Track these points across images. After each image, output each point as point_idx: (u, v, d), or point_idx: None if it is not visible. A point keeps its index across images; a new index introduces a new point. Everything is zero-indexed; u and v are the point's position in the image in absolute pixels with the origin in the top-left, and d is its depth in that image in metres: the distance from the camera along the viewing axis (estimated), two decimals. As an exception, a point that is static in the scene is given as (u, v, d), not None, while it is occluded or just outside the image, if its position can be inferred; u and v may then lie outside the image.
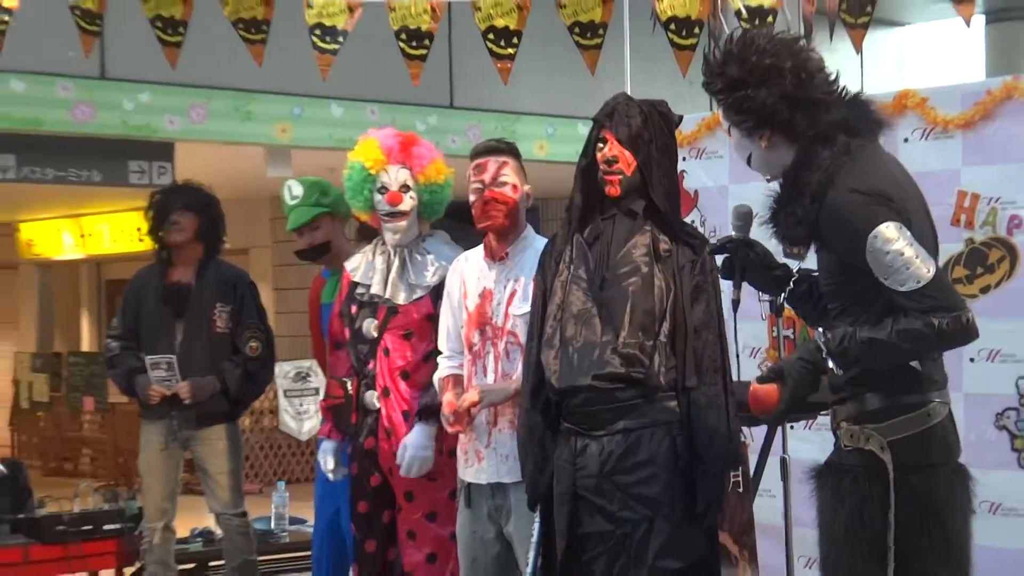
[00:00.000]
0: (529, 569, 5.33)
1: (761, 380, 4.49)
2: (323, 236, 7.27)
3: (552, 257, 5.39)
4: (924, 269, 4.26)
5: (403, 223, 6.41)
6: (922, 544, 4.33)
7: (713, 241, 5.15)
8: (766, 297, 4.90)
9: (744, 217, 4.70)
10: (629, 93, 5.65)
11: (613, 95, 5.42)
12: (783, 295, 4.75)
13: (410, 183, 6.42)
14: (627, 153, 5.21)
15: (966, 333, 4.35)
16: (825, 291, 4.57)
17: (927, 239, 4.45)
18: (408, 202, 6.40)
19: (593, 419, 5.17)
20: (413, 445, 6.19)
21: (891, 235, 4.26)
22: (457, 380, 5.97)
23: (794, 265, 4.87)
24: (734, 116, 4.54)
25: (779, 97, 4.45)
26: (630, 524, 5.08)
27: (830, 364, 4.41)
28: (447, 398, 5.89)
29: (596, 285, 5.22)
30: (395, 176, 6.42)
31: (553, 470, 5.25)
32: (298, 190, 7.29)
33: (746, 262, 4.68)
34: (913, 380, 4.42)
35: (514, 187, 5.81)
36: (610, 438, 5.14)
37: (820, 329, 4.46)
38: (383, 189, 6.40)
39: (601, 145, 5.24)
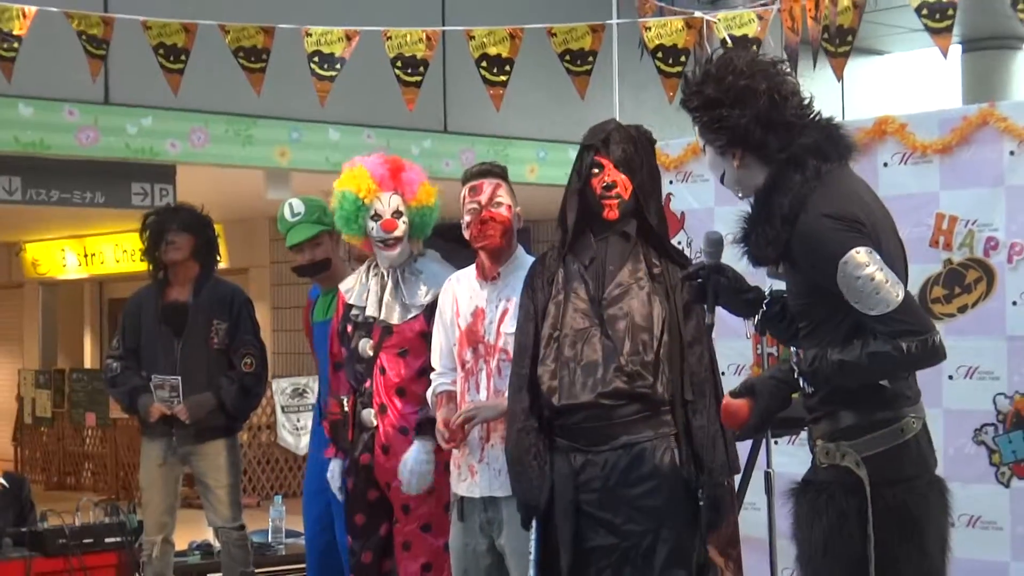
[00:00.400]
0: None
1: (733, 395, 4.49)
2: (323, 253, 7.24)
3: (543, 278, 5.40)
4: (894, 294, 4.23)
5: (397, 249, 6.42)
6: (900, 555, 4.31)
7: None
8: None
9: (715, 244, 4.70)
10: (618, 119, 5.68)
11: (602, 121, 5.45)
12: (756, 317, 4.75)
13: (402, 208, 6.43)
14: (624, 177, 5.25)
15: (933, 355, 4.31)
16: (794, 311, 4.57)
17: (897, 263, 4.45)
18: (401, 227, 6.41)
19: (594, 435, 5.20)
20: (414, 460, 6.19)
21: (862, 260, 4.24)
22: (450, 396, 5.97)
23: (766, 287, 4.89)
24: (708, 134, 4.54)
25: (752, 118, 4.43)
26: (636, 536, 5.11)
27: (801, 383, 4.41)
28: (441, 415, 5.89)
29: (596, 305, 5.24)
30: (388, 203, 6.42)
31: (551, 487, 5.26)
32: (299, 207, 7.26)
33: (718, 287, 4.67)
34: (885, 397, 4.40)
35: (508, 208, 5.82)
36: (613, 453, 5.17)
37: (792, 349, 4.47)
38: (376, 216, 6.41)
39: (597, 170, 5.27)
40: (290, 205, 7.29)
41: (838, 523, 4.31)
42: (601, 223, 5.31)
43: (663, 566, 5.09)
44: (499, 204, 5.81)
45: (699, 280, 4.67)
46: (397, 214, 6.41)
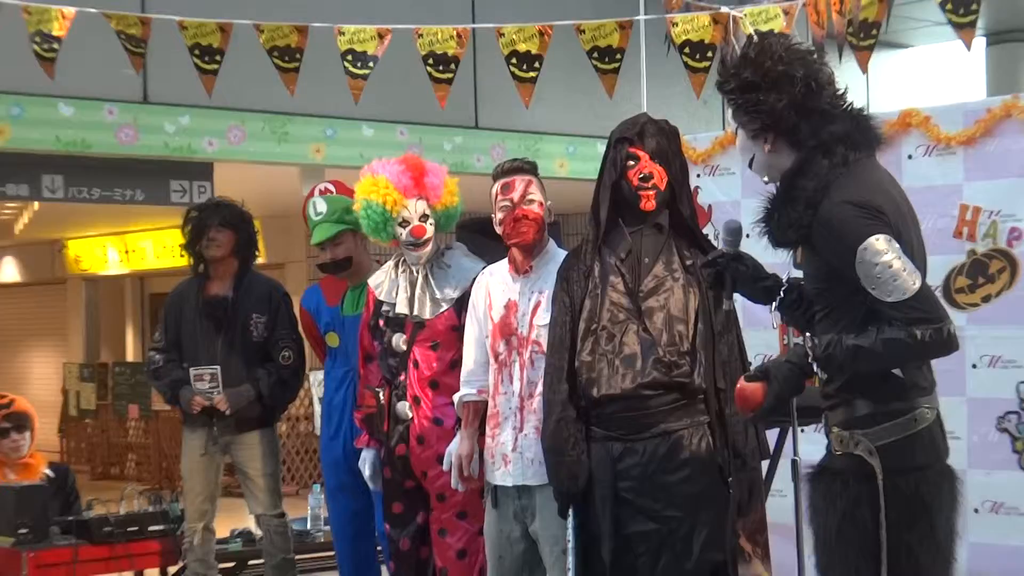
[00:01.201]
0: (571, 574, 5.32)
1: (748, 379, 4.49)
2: (344, 252, 7.28)
3: (579, 272, 5.42)
4: (911, 282, 4.24)
5: (427, 249, 6.46)
6: (911, 541, 4.31)
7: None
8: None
9: (734, 232, 4.70)
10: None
11: (632, 115, 5.45)
12: (774, 304, 4.74)
13: (428, 212, 6.45)
14: (660, 169, 5.27)
15: (947, 345, 4.33)
16: (811, 295, 4.57)
17: (917, 254, 4.45)
18: (430, 230, 6.45)
19: (632, 424, 5.23)
20: (456, 453, 6.21)
21: (881, 247, 4.25)
22: (476, 410, 6.02)
23: (784, 274, 4.88)
24: (743, 117, 4.55)
25: (788, 103, 4.45)
26: (674, 522, 5.14)
27: (816, 369, 4.41)
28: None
29: (633, 298, 5.25)
30: (414, 209, 6.44)
31: (589, 475, 5.29)
32: (323, 206, 7.31)
33: (736, 275, 4.67)
34: (900, 387, 4.41)
35: (540, 204, 5.83)
36: (651, 441, 5.21)
37: (807, 335, 4.47)
38: (405, 223, 6.43)
39: (632, 162, 5.28)
40: (314, 204, 7.34)
41: (851, 509, 4.33)
42: (636, 214, 5.32)
43: (701, 549, 5.13)
44: (531, 201, 5.82)
45: (718, 267, 4.68)
46: (424, 218, 6.44)
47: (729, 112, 4.66)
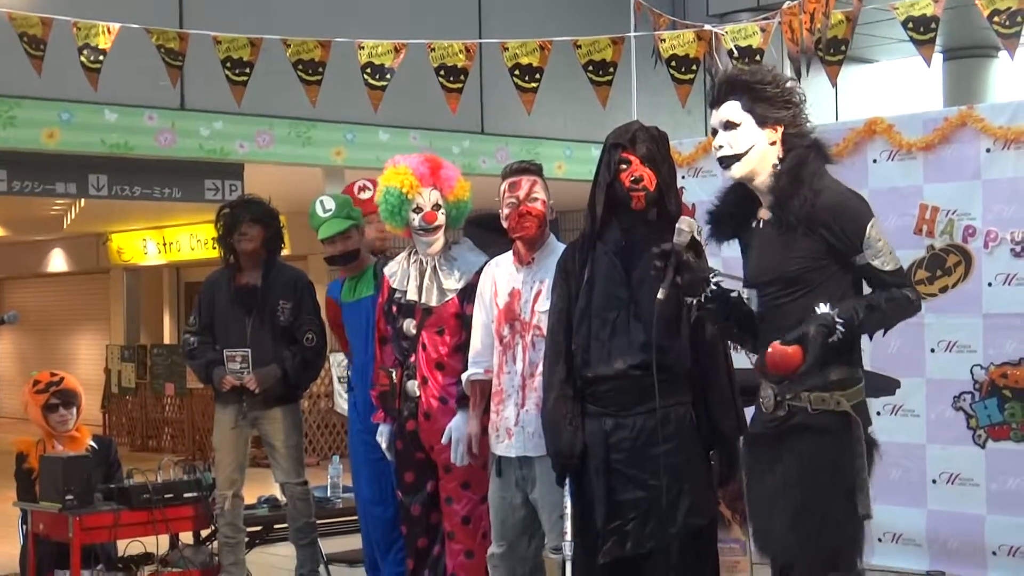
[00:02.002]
0: (568, 537, 5.33)
1: (784, 343, 4.51)
2: (353, 244, 7.35)
3: (576, 263, 5.42)
4: (897, 256, 4.60)
5: (436, 236, 6.47)
6: (867, 481, 4.57)
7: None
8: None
9: (684, 231, 4.74)
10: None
11: (625, 122, 5.44)
12: (702, 296, 4.76)
13: (440, 202, 6.46)
14: (649, 172, 5.26)
15: (919, 308, 4.69)
16: (792, 275, 4.64)
17: None
18: (440, 218, 6.45)
19: (623, 402, 5.25)
20: (456, 428, 6.22)
21: (880, 227, 4.57)
22: (483, 389, 6.03)
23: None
24: (767, 104, 4.68)
25: (798, 110, 4.73)
26: (660, 490, 5.13)
27: (838, 328, 4.49)
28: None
29: (624, 287, 5.26)
30: (428, 197, 6.46)
31: (584, 448, 5.29)
32: (330, 204, 7.36)
33: (681, 264, 4.72)
34: (858, 358, 4.68)
35: (543, 202, 5.84)
36: (641, 417, 5.22)
37: (822, 304, 4.52)
38: (418, 209, 6.45)
39: (625, 166, 5.28)
40: (321, 202, 7.38)
41: (838, 456, 4.53)
42: (628, 212, 5.31)
43: (685, 515, 5.15)
44: (535, 199, 5.83)
45: (666, 259, 4.72)
46: (436, 207, 6.45)
47: (730, 105, 4.71)
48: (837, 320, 4.47)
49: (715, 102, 4.77)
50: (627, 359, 5.20)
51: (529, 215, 5.79)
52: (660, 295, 4.74)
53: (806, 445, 4.57)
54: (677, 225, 4.75)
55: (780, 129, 4.68)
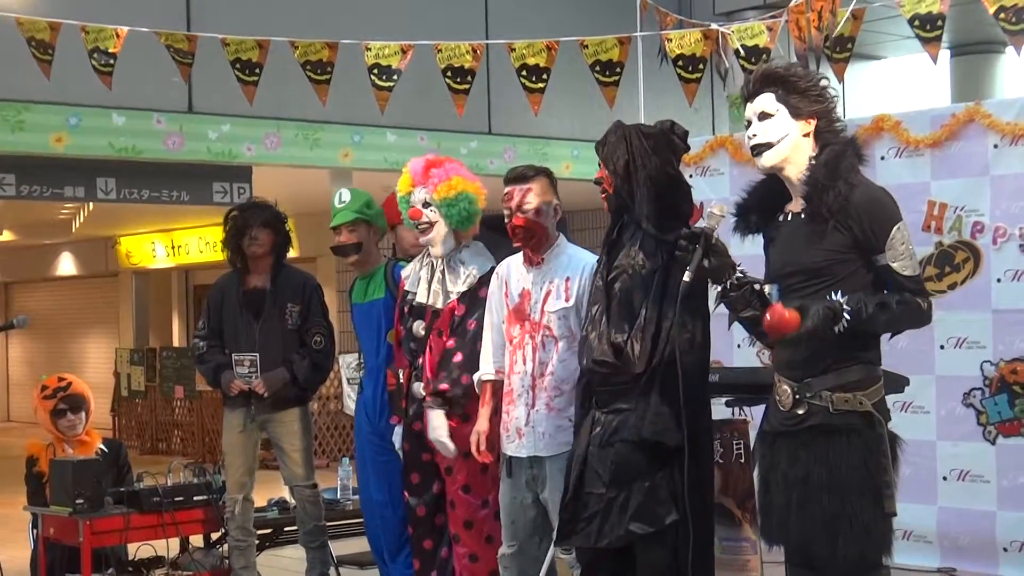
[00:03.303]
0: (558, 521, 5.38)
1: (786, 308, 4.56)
2: (356, 238, 7.33)
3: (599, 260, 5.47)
4: (917, 263, 4.62)
5: (430, 235, 6.48)
6: (894, 478, 4.62)
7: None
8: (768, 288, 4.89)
9: (713, 216, 4.77)
10: (643, 121, 5.67)
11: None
12: (728, 283, 4.77)
13: (429, 200, 6.47)
14: (608, 175, 5.26)
15: (930, 319, 4.69)
16: (816, 268, 4.66)
17: None
18: (429, 216, 6.46)
19: (600, 397, 5.29)
20: (431, 429, 6.30)
21: (906, 232, 4.61)
22: (494, 390, 6.03)
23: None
24: (802, 96, 4.72)
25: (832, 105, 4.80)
26: (615, 490, 5.14)
27: (845, 315, 4.51)
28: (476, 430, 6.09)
29: (603, 284, 5.27)
30: (418, 196, 6.51)
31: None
32: (347, 196, 7.40)
33: (709, 248, 4.72)
34: (877, 356, 4.70)
35: (536, 211, 5.82)
36: (608, 415, 5.23)
37: (836, 294, 4.56)
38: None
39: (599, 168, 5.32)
40: (339, 193, 7.46)
41: (865, 456, 4.57)
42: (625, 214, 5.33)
43: (631, 518, 5.11)
44: (527, 209, 5.83)
45: (694, 241, 4.71)
46: (425, 204, 6.48)
47: (765, 97, 4.73)
48: (844, 307, 4.50)
49: (750, 95, 4.80)
50: (590, 355, 5.22)
51: (519, 227, 5.81)
52: (686, 277, 4.74)
53: (833, 448, 4.58)
54: (708, 208, 4.77)
55: (814, 123, 4.71)
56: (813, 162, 4.69)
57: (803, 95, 4.72)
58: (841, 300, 4.52)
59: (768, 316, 4.54)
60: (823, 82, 4.80)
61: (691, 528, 5.05)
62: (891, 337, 4.84)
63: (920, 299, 4.60)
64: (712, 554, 5.33)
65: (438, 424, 6.26)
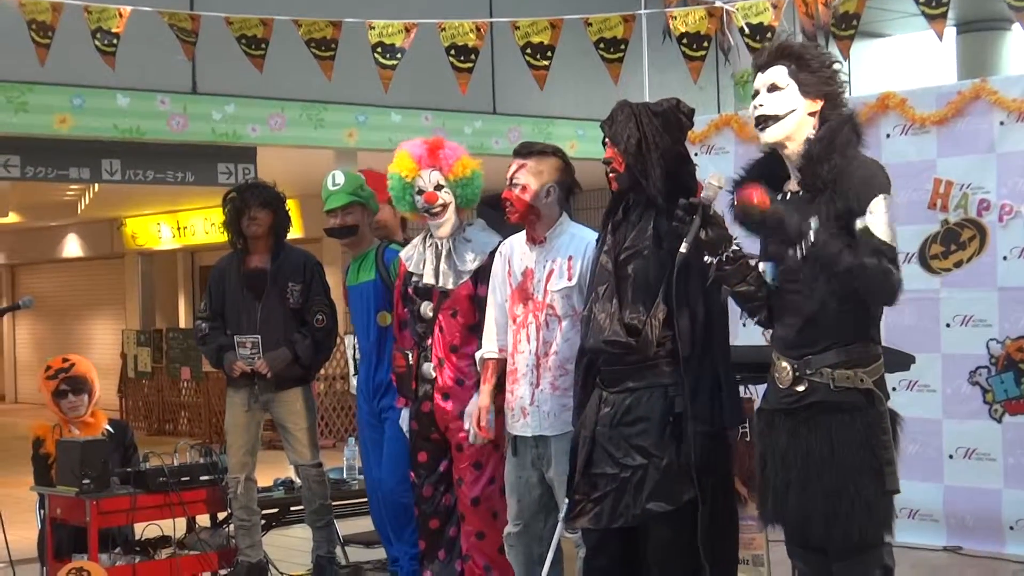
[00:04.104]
0: (567, 503, 5.35)
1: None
2: (353, 220, 7.41)
3: (599, 239, 5.41)
4: (895, 235, 4.50)
5: (443, 218, 6.49)
6: (895, 455, 4.59)
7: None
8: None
9: (712, 187, 4.75)
10: (647, 99, 5.63)
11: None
12: (723, 255, 4.75)
13: (442, 182, 6.46)
14: (618, 154, 5.21)
15: (897, 295, 4.54)
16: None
17: None
18: (444, 197, 6.45)
19: (610, 377, 5.24)
20: (474, 412, 6.22)
21: (892, 206, 4.52)
22: (495, 368, 6.03)
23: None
24: (812, 75, 4.69)
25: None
26: (630, 469, 5.11)
27: (804, 241, 4.51)
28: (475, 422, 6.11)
29: (612, 264, 5.23)
30: (428, 179, 6.48)
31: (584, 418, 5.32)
32: (340, 179, 7.44)
33: (707, 219, 4.70)
34: (877, 334, 4.67)
35: (523, 188, 5.81)
36: (619, 395, 5.19)
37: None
38: (420, 191, 6.46)
39: (605, 147, 5.27)
40: (333, 176, 7.49)
41: (866, 433, 4.54)
42: (631, 193, 5.28)
43: (648, 497, 5.07)
44: (515, 184, 5.83)
45: (692, 212, 4.69)
46: (438, 187, 6.47)
47: (777, 69, 4.71)
48: (812, 228, 4.47)
49: (763, 65, 4.77)
50: (601, 335, 5.17)
51: (507, 200, 5.83)
52: (683, 248, 4.70)
53: (835, 425, 4.56)
54: (707, 180, 4.73)
55: (820, 103, 4.68)
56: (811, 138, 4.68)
57: (815, 74, 4.70)
58: (810, 230, 4.48)
59: (745, 186, 4.60)
60: (836, 65, 4.76)
61: (708, 506, 5.02)
62: (880, 310, 4.73)
63: (892, 267, 4.46)
64: (736, 535, 5.32)
65: (480, 402, 6.17)
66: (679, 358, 5.06)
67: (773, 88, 4.71)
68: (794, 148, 4.69)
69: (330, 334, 7.94)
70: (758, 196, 4.57)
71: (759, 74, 4.78)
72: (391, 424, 7.01)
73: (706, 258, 4.74)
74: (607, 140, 5.26)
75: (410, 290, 6.62)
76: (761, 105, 4.72)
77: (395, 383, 6.83)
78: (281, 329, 7.79)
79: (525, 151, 5.92)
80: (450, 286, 6.44)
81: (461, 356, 6.40)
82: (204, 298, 8.15)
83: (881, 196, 4.49)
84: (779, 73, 4.71)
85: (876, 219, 4.47)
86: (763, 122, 4.72)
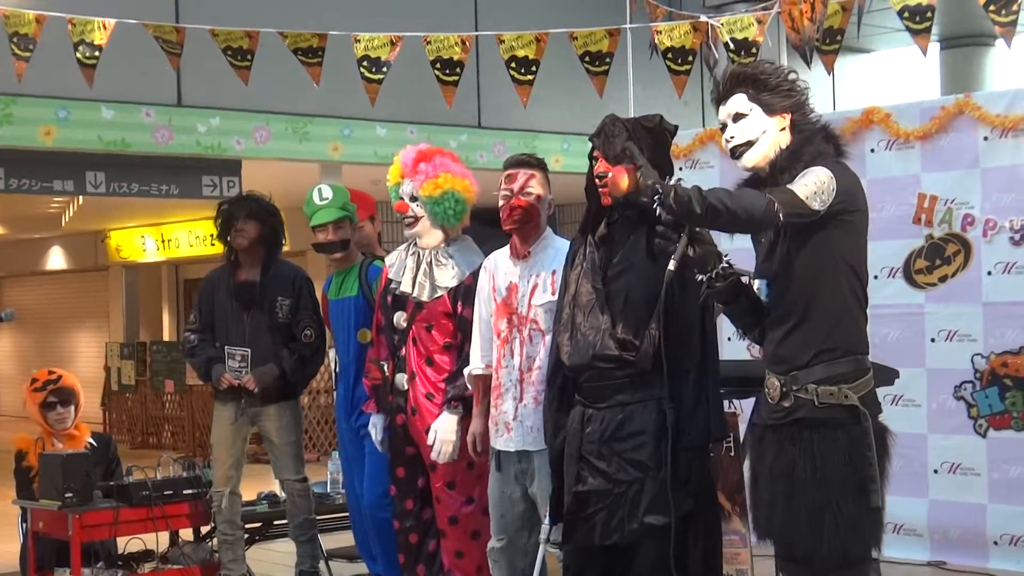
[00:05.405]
0: (547, 520, 5.34)
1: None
2: (344, 235, 7.38)
3: (570, 256, 5.39)
4: (806, 193, 4.43)
5: (416, 228, 6.46)
6: (884, 468, 4.58)
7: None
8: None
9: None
10: (632, 114, 5.63)
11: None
12: (711, 273, 4.74)
13: (416, 194, 6.43)
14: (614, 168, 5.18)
15: (772, 220, 4.43)
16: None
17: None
18: (415, 210, 6.43)
19: (596, 393, 5.20)
20: (442, 430, 6.22)
21: (826, 173, 4.46)
22: (485, 385, 5.99)
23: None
24: (773, 93, 4.69)
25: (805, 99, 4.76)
26: (625, 484, 5.10)
27: (657, 199, 4.48)
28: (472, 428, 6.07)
29: (600, 279, 5.22)
30: (406, 188, 6.48)
31: (565, 436, 5.28)
32: (328, 193, 7.40)
33: (694, 237, 4.72)
34: (863, 346, 4.64)
35: (537, 197, 5.81)
36: (609, 410, 5.17)
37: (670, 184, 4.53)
38: (401, 198, 6.46)
39: (594, 163, 5.24)
40: (319, 190, 7.43)
41: (850, 451, 4.52)
42: (606, 207, 5.26)
43: (645, 511, 5.06)
44: (529, 193, 5.80)
45: (677, 229, 4.69)
46: (412, 199, 6.45)
47: (737, 98, 4.70)
48: (659, 185, 4.45)
49: (721, 98, 4.77)
50: (591, 350, 5.15)
51: (519, 208, 5.77)
52: (671, 266, 4.71)
53: (818, 442, 4.55)
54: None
55: (788, 117, 4.68)
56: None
57: (774, 92, 4.69)
58: (662, 185, 4.47)
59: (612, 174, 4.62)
60: (791, 76, 4.76)
61: (703, 520, 5.07)
62: (864, 320, 4.72)
63: (774, 197, 4.39)
64: (720, 546, 5.31)
65: (450, 428, 6.21)
66: (669, 372, 5.05)
67: (738, 117, 4.71)
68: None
69: (318, 350, 7.93)
70: (625, 180, 4.56)
71: (720, 107, 4.79)
72: (370, 440, 7.00)
73: (697, 276, 4.74)
74: (598, 154, 5.21)
75: (388, 298, 6.59)
76: (732, 137, 4.73)
77: (369, 393, 6.81)
78: (269, 342, 7.77)
79: (535, 161, 5.91)
80: (424, 298, 6.40)
81: (436, 370, 6.37)
82: (193, 310, 8.13)
83: (820, 168, 4.48)
84: (739, 101, 4.72)
85: (800, 180, 4.47)
86: (738, 151, 4.73)
